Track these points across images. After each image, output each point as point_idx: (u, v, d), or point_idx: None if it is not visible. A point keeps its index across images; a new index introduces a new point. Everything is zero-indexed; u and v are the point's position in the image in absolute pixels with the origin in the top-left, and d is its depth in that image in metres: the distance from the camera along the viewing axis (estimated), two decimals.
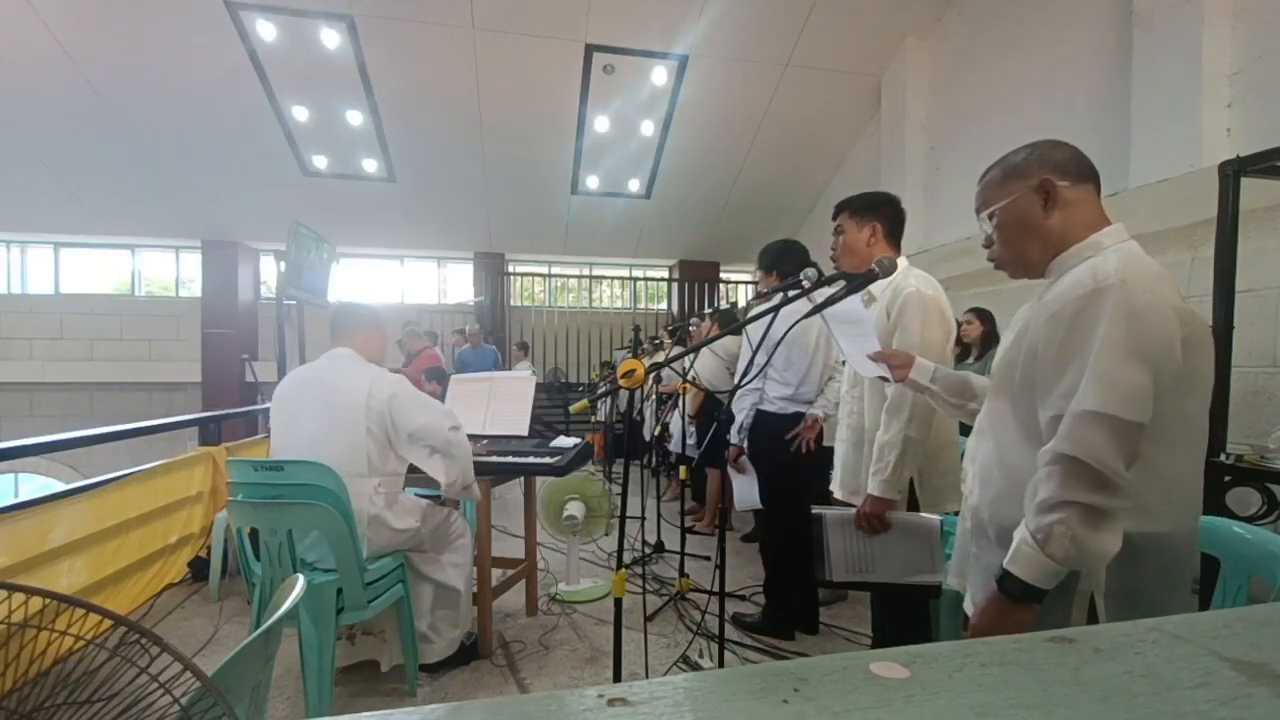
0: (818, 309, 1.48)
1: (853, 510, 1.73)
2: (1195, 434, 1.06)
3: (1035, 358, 1.07)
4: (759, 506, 2.77)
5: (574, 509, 3.16)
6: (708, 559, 3.61)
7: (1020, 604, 1.01)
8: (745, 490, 2.83)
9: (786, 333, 2.03)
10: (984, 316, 3.90)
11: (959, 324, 3.95)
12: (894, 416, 1.72)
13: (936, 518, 1.71)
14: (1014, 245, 1.16)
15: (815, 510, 1.72)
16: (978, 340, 3.89)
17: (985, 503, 1.16)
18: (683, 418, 4.10)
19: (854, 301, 1.50)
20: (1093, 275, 1.01)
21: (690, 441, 4.14)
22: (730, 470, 2.98)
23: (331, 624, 1.96)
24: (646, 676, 2.14)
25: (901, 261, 1.82)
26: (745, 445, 2.79)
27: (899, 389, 1.67)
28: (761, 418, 2.72)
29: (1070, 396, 0.98)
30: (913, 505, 1.79)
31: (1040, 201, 1.11)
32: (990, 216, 1.17)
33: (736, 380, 1.89)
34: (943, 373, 1.43)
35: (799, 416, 2.63)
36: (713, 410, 3.95)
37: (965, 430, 2.21)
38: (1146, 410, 0.95)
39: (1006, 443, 1.13)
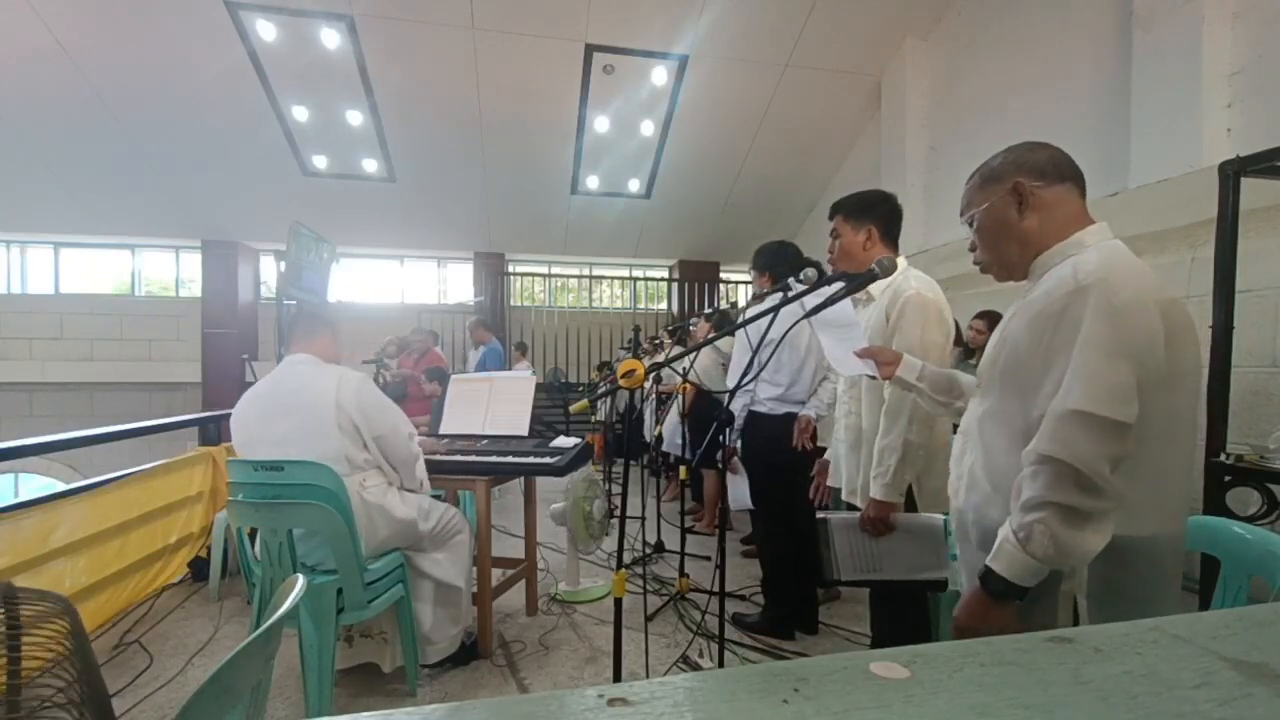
0: (813, 312, 1.48)
1: (856, 514, 1.73)
2: (1182, 431, 1.04)
3: (1018, 358, 1.08)
4: (751, 507, 2.77)
5: (558, 508, 3.14)
6: (708, 559, 3.61)
7: (1001, 601, 1.01)
8: (738, 491, 2.83)
9: (785, 334, 2.03)
10: (993, 321, 3.89)
11: (969, 329, 3.94)
12: (894, 420, 1.71)
13: (940, 517, 1.72)
14: (993, 248, 1.18)
15: (820, 515, 1.72)
16: (984, 346, 3.87)
17: (970, 506, 1.17)
18: (682, 418, 4.10)
19: (845, 305, 1.50)
20: (1074, 274, 1.01)
21: (684, 441, 4.14)
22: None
23: (332, 624, 1.96)
24: (646, 676, 2.14)
25: (901, 261, 1.82)
26: (737, 446, 2.79)
27: (897, 392, 1.67)
28: (753, 418, 2.72)
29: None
30: (910, 507, 1.79)
31: (1015, 204, 1.13)
32: (970, 221, 1.20)
33: (734, 381, 1.89)
34: (930, 370, 1.44)
35: (790, 417, 2.63)
36: (706, 409, 3.95)
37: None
38: (1131, 409, 0.94)
39: (992, 446, 1.14)
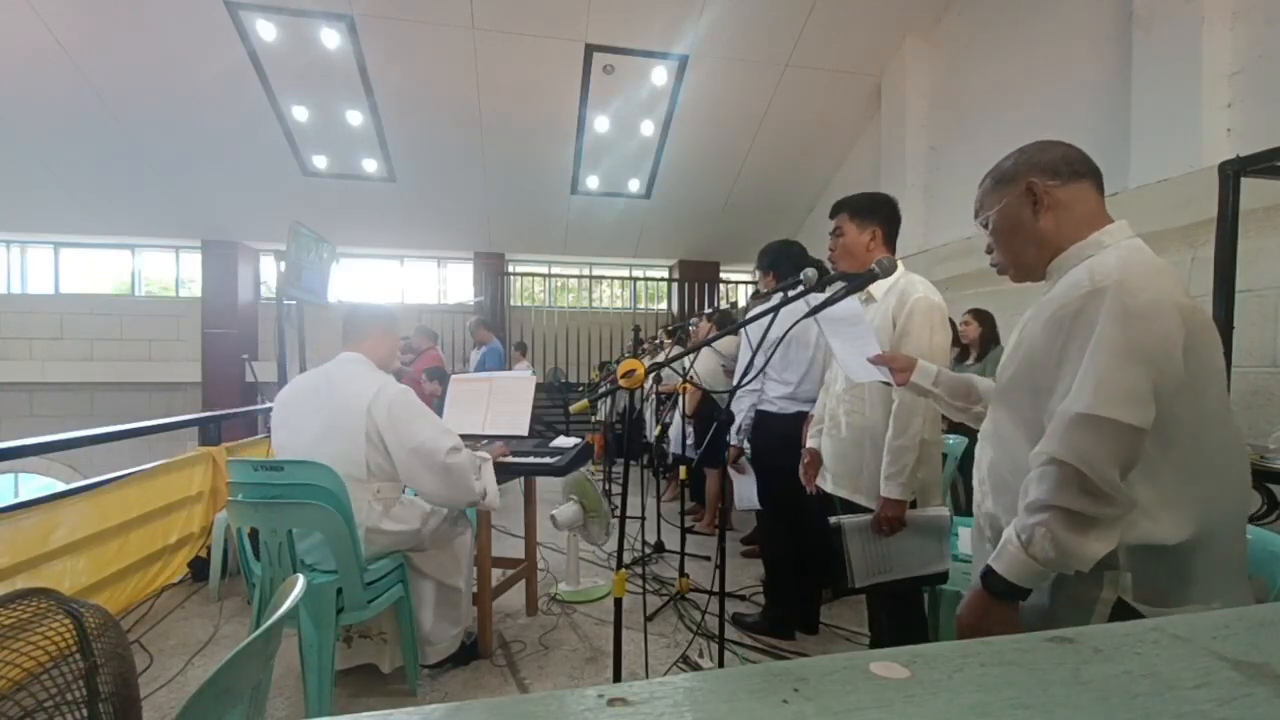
0: (814, 310, 1.48)
1: (869, 516, 1.73)
2: (1216, 431, 1.00)
3: (1034, 362, 1.06)
4: (759, 507, 2.76)
5: (564, 512, 3.14)
6: (708, 559, 3.61)
7: (1002, 600, 1.01)
8: (745, 491, 2.82)
9: (786, 333, 2.03)
10: (982, 318, 3.90)
11: (958, 325, 3.95)
12: (907, 420, 1.72)
13: (945, 511, 1.74)
14: (1009, 250, 1.17)
15: (833, 520, 1.71)
16: (976, 341, 3.89)
17: (1003, 511, 1.13)
18: (683, 418, 4.10)
19: (852, 302, 1.49)
20: (1090, 276, 1.00)
21: (689, 442, 4.14)
22: (731, 470, 2.97)
23: (331, 624, 1.96)
24: (646, 676, 2.14)
25: (899, 264, 1.82)
26: (745, 446, 2.78)
27: (908, 393, 1.67)
28: (762, 418, 2.70)
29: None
30: None
31: (1029, 204, 1.11)
32: (985, 223, 1.18)
33: (735, 381, 1.89)
34: (945, 375, 1.41)
35: (801, 416, 2.61)
36: (710, 410, 3.95)
37: (952, 429, 2.20)
38: (1144, 413, 0.92)
39: (1016, 451, 1.10)
